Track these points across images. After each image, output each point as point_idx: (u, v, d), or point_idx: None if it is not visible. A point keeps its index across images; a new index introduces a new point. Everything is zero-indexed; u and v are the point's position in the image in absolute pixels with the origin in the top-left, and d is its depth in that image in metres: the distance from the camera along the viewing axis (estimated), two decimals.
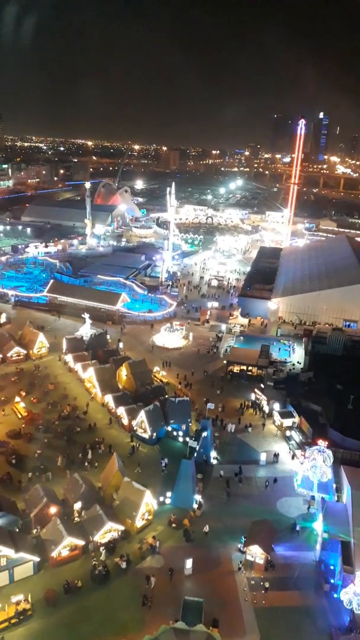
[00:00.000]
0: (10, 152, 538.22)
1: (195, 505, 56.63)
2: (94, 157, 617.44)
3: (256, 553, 49.09)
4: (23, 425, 69.25)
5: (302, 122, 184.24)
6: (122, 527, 51.47)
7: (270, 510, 56.87)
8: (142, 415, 67.35)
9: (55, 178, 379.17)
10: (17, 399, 74.34)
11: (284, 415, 73.96)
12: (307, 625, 44.03)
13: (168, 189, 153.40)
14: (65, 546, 48.33)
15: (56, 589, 45.35)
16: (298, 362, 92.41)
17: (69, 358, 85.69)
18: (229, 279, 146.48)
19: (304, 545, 52.75)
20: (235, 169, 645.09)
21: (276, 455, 66.97)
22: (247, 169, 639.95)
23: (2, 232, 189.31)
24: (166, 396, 74.26)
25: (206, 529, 53.60)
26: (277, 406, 75.71)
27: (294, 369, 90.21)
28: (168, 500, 57.22)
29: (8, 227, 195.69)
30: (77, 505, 53.46)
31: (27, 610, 43.45)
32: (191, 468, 57.76)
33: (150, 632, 40.89)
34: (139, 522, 52.90)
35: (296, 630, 43.65)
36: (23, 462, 62.17)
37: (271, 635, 42.86)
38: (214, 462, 64.89)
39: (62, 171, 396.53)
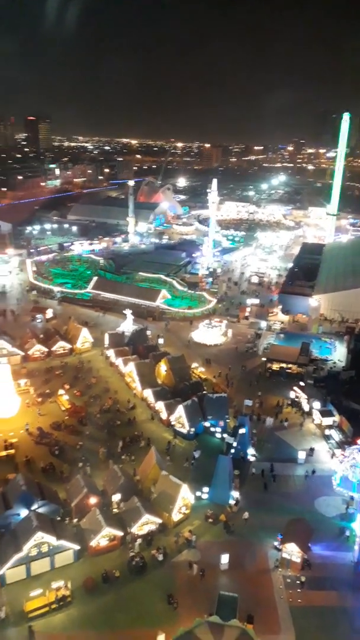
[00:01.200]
0: (58, 153, 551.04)
1: (232, 502, 56.83)
2: (138, 156, 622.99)
3: (292, 551, 48.82)
4: (66, 418, 71.36)
5: (346, 116, 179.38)
6: (159, 520, 52.25)
7: (308, 509, 56.31)
8: (179, 411, 68.03)
9: (101, 177, 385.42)
10: (61, 391, 76.66)
11: (324, 413, 72.89)
12: (344, 626, 43.51)
13: (209, 185, 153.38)
14: (104, 536, 49.60)
15: (95, 578, 46.67)
16: (339, 360, 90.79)
17: (110, 353, 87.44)
18: (270, 275, 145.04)
19: (342, 545, 52.01)
20: (279, 165, 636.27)
21: (312, 450, 66.57)
22: (291, 165, 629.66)
23: (49, 230, 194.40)
24: (204, 392, 74.62)
25: (245, 515, 54.44)
26: (316, 404, 74.71)
27: (335, 367, 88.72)
28: (205, 496, 57.69)
29: (55, 226, 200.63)
30: (116, 497, 54.65)
31: (67, 597, 44.93)
32: (228, 464, 57.88)
33: (185, 624, 41.46)
34: (176, 516, 53.56)
35: (332, 630, 43.17)
36: (65, 453, 64.12)
37: (306, 633, 42.59)
38: (252, 459, 64.74)
39: (107, 170, 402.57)
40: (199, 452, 64.63)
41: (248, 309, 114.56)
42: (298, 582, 47.21)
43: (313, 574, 48.12)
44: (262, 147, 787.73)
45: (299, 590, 46.48)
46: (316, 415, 73.38)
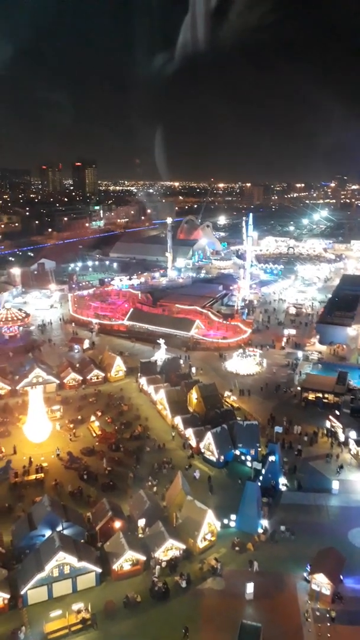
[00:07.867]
0: (103, 196, 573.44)
1: (260, 530, 54.92)
2: (180, 197, 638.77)
3: (322, 582, 46.35)
4: (97, 443, 71.85)
5: None
6: (183, 546, 51.04)
7: (340, 541, 53.45)
8: (209, 438, 67.12)
9: (143, 217, 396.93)
10: (93, 418, 77.49)
11: None
12: None
13: (244, 219, 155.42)
14: (127, 560, 48.86)
15: (116, 602, 45.79)
16: None
17: (142, 381, 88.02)
18: (310, 305, 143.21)
19: None
20: (321, 201, 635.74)
21: (341, 467, 66.11)
22: (334, 201, 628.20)
23: (91, 267, 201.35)
24: (237, 419, 73.48)
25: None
26: (353, 434, 72.01)
27: None
28: (233, 523, 56.05)
29: (97, 263, 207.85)
30: (141, 522, 54.02)
31: (87, 620, 44.22)
32: (256, 491, 56.23)
33: None
34: (201, 543, 52.20)
35: None
36: (94, 478, 64.21)
37: None
38: (283, 488, 62.62)
39: (149, 211, 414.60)
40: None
41: (284, 339, 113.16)
42: (328, 615, 44.61)
43: (344, 607, 45.43)
44: (303, 185, 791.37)
45: (328, 624, 43.86)
46: (352, 445, 70.64)
